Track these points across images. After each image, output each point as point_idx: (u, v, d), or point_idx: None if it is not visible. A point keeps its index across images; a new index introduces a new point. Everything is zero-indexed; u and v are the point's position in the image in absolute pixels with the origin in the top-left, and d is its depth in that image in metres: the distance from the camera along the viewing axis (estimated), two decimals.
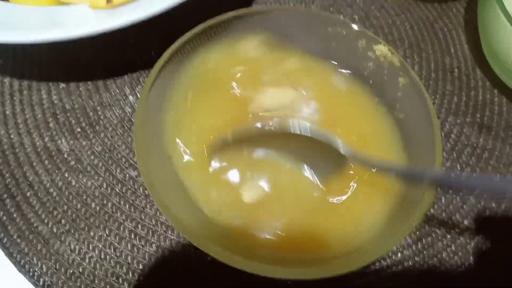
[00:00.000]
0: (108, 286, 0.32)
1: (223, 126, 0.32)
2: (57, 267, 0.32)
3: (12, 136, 0.36)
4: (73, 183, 0.35)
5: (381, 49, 0.33)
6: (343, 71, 0.36)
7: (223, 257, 0.25)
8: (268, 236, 0.29)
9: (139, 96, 0.38)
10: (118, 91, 0.39)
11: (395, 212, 0.30)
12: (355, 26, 0.34)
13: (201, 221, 0.29)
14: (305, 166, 0.32)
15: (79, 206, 0.34)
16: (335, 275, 0.26)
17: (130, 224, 0.34)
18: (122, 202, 0.34)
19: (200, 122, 0.32)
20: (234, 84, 0.34)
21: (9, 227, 0.33)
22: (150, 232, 0.34)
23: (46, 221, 0.33)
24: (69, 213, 0.34)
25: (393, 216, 0.30)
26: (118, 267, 0.32)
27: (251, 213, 0.30)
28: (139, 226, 0.34)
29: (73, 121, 0.37)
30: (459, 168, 0.38)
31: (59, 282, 0.32)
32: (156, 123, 0.31)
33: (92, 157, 0.36)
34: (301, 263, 0.29)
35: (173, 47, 0.32)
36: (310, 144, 0.30)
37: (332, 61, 0.36)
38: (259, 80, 0.34)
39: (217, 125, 0.32)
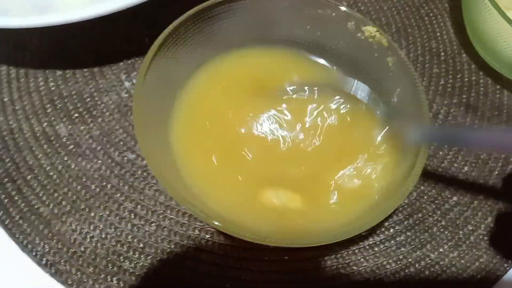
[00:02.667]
0: (109, 264, 0.33)
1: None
2: (59, 247, 0.33)
3: (11, 122, 0.37)
4: (73, 166, 0.36)
5: (370, 30, 0.34)
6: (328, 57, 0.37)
7: (224, 228, 0.26)
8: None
9: (134, 82, 0.39)
10: (114, 77, 0.40)
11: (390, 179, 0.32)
12: (343, 8, 0.35)
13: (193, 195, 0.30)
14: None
15: (79, 188, 0.35)
16: (331, 242, 0.27)
17: (129, 204, 0.35)
18: (121, 184, 0.35)
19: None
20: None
21: (11, 209, 0.34)
22: (150, 212, 0.34)
23: (47, 202, 0.34)
24: (70, 195, 0.35)
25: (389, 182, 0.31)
26: (119, 245, 0.33)
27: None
28: (139, 206, 0.35)
29: (71, 107, 0.38)
30: (446, 146, 0.39)
31: (62, 261, 0.32)
32: (157, 105, 0.32)
33: (90, 141, 0.37)
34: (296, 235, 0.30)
35: (165, 33, 0.32)
36: None
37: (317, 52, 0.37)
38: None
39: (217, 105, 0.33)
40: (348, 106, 0.34)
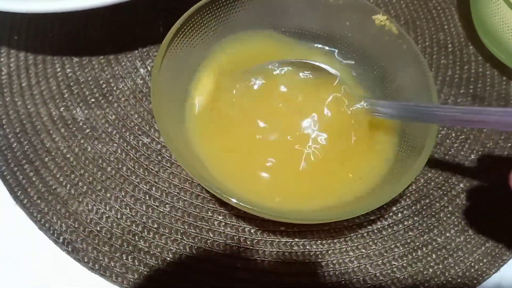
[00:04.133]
0: (124, 243, 0.33)
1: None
2: (76, 226, 0.34)
3: (29, 107, 0.38)
4: (89, 149, 0.37)
5: (380, 18, 0.35)
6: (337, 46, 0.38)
7: (239, 205, 0.27)
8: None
9: (149, 69, 0.40)
10: (129, 64, 0.41)
11: (399, 158, 0.32)
12: None
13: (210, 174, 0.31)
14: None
15: (95, 170, 0.36)
16: (341, 219, 0.28)
17: (144, 186, 0.35)
18: (136, 166, 0.36)
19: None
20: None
21: (29, 190, 0.35)
22: (164, 194, 0.35)
23: (64, 183, 0.35)
24: (86, 176, 0.36)
25: (397, 162, 0.32)
26: (134, 225, 0.34)
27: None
28: (153, 188, 0.35)
29: (87, 92, 0.39)
30: (454, 135, 0.40)
31: (78, 239, 0.33)
32: (172, 89, 0.33)
33: (106, 125, 0.38)
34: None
35: (180, 21, 0.33)
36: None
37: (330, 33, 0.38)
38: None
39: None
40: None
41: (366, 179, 0.32)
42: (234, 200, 0.27)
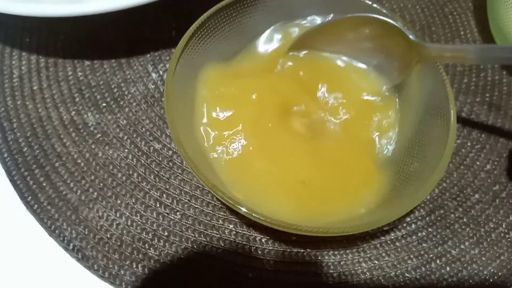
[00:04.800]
0: (134, 251, 0.33)
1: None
2: (86, 233, 0.34)
3: (40, 110, 0.38)
4: (100, 154, 0.36)
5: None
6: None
7: (250, 215, 0.27)
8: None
9: (161, 74, 0.40)
10: (141, 68, 0.40)
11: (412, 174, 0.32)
12: (370, 3, 0.35)
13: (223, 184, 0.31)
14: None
15: (106, 176, 0.36)
16: (356, 232, 0.27)
17: (155, 193, 0.35)
18: (147, 173, 0.36)
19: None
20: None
21: (39, 195, 0.35)
22: (175, 201, 0.35)
23: (74, 189, 0.35)
24: (97, 182, 0.35)
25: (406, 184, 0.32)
26: (144, 233, 0.34)
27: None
28: (164, 195, 0.35)
29: (98, 96, 0.39)
30: (469, 144, 0.39)
31: (88, 246, 0.33)
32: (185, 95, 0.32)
33: (117, 130, 0.37)
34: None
35: (195, 25, 0.33)
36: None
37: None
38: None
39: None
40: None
41: (380, 190, 0.32)
42: (243, 209, 0.27)
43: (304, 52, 0.37)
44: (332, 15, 0.36)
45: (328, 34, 0.36)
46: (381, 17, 0.33)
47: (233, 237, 0.34)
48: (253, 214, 0.27)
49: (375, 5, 0.35)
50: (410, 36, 0.32)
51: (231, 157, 0.32)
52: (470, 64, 0.42)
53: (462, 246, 0.35)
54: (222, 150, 0.33)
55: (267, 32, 0.37)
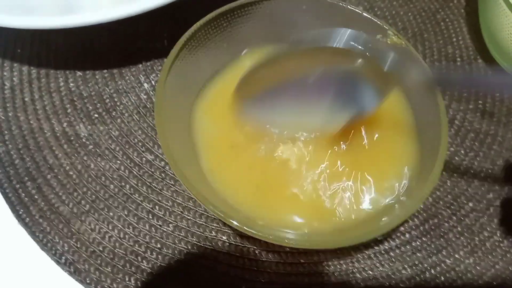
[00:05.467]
0: (127, 264, 0.33)
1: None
2: (79, 246, 0.33)
3: (31, 122, 0.38)
4: (92, 166, 0.36)
5: (391, 36, 0.34)
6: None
7: (243, 228, 0.26)
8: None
9: (153, 84, 0.40)
10: (133, 78, 0.40)
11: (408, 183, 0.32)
12: (365, 14, 0.35)
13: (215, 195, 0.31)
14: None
15: (98, 187, 0.35)
16: (350, 244, 0.27)
17: (148, 205, 0.35)
18: (139, 184, 0.36)
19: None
20: None
21: (31, 208, 0.34)
22: (167, 212, 0.35)
23: (66, 202, 0.35)
24: (89, 194, 0.35)
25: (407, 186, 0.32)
26: (137, 245, 0.34)
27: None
28: (157, 207, 0.35)
29: (90, 107, 0.39)
30: (463, 152, 0.39)
31: (81, 259, 0.33)
32: (177, 106, 0.32)
33: (109, 142, 0.37)
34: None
35: (186, 35, 0.33)
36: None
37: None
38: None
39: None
40: None
41: (373, 201, 0.32)
42: (235, 223, 0.27)
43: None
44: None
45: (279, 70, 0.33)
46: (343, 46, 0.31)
47: (226, 248, 0.34)
48: (245, 228, 0.26)
49: (365, 14, 0.35)
50: (384, 65, 0.30)
51: (227, 169, 0.32)
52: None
53: (456, 256, 0.35)
54: (218, 162, 0.32)
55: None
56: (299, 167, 0.32)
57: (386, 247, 0.35)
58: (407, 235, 0.35)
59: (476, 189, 0.37)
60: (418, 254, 0.35)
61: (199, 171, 0.31)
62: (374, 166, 0.33)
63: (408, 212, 0.28)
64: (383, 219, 0.29)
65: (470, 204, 0.37)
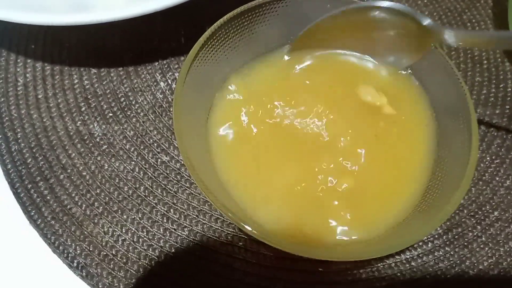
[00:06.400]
0: (141, 269, 0.32)
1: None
2: (91, 249, 0.32)
3: (44, 120, 0.37)
4: (106, 166, 0.35)
5: None
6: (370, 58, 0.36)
7: (261, 237, 0.25)
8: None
9: (170, 83, 0.39)
10: (149, 77, 0.39)
11: (427, 199, 0.30)
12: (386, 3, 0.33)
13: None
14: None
15: (111, 189, 0.34)
16: (366, 258, 0.26)
17: (162, 208, 0.34)
18: (154, 186, 0.35)
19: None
20: None
21: (43, 209, 0.34)
22: (182, 216, 0.34)
23: (79, 203, 0.34)
24: (102, 196, 0.34)
25: (425, 203, 0.30)
26: (150, 250, 0.33)
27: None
28: (171, 210, 0.34)
29: (105, 106, 0.38)
30: (488, 159, 0.37)
31: (93, 263, 0.32)
32: (194, 107, 0.31)
33: (124, 142, 0.36)
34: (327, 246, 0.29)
35: (209, 31, 0.32)
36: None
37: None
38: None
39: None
40: None
41: (399, 209, 0.30)
42: (248, 228, 0.26)
43: (309, 52, 0.35)
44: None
45: (332, 29, 0.34)
46: (386, 5, 0.32)
47: (242, 255, 0.33)
48: (259, 235, 0.25)
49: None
50: (423, 20, 0.31)
51: (244, 174, 0.31)
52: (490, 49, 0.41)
53: (480, 267, 0.34)
54: (234, 166, 0.31)
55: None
56: (320, 183, 0.31)
57: (408, 256, 0.34)
58: (430, 245, 0.34)
59: (502, 198, 0.36)
60: (441, 264, 0.34)
61: (214, 175, 0.30)
62: (397, 174, 0.32)
63: (434, 225, 0.27)
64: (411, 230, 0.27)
65: (495, 213, 0.35)
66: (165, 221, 0.34)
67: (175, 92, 0.29)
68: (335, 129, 0.33)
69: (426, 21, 0.31)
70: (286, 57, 0.36)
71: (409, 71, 0.35)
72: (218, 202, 0.26)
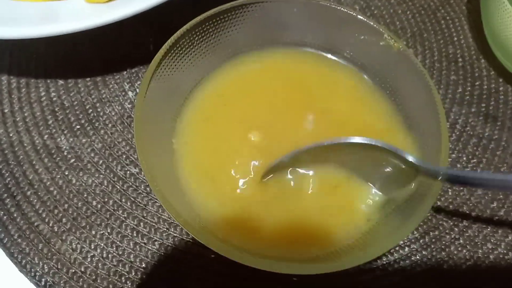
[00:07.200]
0: (111, 286, 0.31)
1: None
2: (59, 267, 0.32)
3: (11, 135, 0.36)
4: (74, 181, 0.34)
5: (385, 38, 0.32)
6: (343, 62, 0.35)
7: (227, 253, 0.25)
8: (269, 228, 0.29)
9: (138, 92, 0.38)
10: (117, 86, 0.38)
11: (401, 205, 0.30)
12: (359, 17, 0.33)
13: (199, 217, 0.29)
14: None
15: (80, 204, 0.34)
16: (340, 270, 0.25)
17: (132, 222, 0.33)
18: (123, 200, 0.34)
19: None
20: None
21: (10, 227, 0.33)
22: (153, 229, 0.33)
23: (47, 220, 0.33)
24: (70, 212, 0.33)
25: (399, 209, 0.29)
26: (120, 265, 0.32)
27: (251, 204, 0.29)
28: (141, 223, 0.33)
29: (72, 118, 0.37)
30: (465, 159, 0.37)
31: (61, 282, 0.31)
32: (159, 117, 0.30)
33: (92, 155, 0.35)
34: (303, 258, 0.28)
35: (172, 39, 0.31)
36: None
37: (332, 53, 0.36)
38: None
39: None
40: None
41: (371, 218, 0.30)
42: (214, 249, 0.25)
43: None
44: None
45: (313, 157, 0.31)
46: (372, 143, 0.28)
47: (216, 266, 0.32)
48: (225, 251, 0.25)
49: (360, 17, 0.33)
50: (408, 157, 0.27)
51: (210, 183, 0.30)
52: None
53: (459, 270, 0.33)
54: (200, 174, 0.31)
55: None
56: (288, 192, 0.30)
57: (384, 262, 0.33)
58: (406, 249, 0.34)
59: (479, 198, 0.35)
60: (418, 269, 0.33)
61: (181, 192, 0.29)
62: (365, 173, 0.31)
63: (407, 231, 0.26)
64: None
65: (473, 214, 0.35)
66: (135, 235, 0.33)
67: (136, 106, 0.28)
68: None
69: (410, 157, 0.27)
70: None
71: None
72: (181, 218, 0.25)
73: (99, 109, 0.37)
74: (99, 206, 0.34)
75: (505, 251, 0.34)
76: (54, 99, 0.38)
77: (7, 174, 0.35)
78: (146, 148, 0.27)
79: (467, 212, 0.35)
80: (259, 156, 0.31)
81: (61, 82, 0.38)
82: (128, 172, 0.35)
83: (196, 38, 0.33)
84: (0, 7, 0.33)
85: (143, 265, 0.32)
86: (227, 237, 0.28)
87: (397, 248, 0.33)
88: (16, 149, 0.35)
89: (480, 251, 0.34)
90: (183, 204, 0.28)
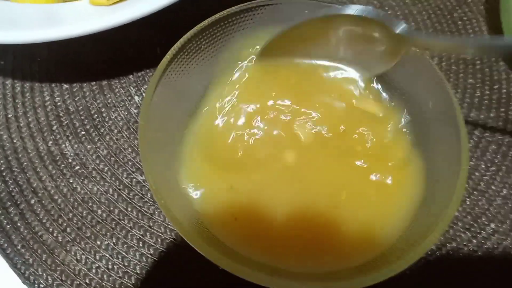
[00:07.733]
0: None
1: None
2: (63, 278, 0.31)
3: (14, 141, 0.35)
4: (78, 189, 0.33)
5: None
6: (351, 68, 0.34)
7: (233, 269, 0.24)
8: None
9: (144, 96, 0.37)
10: (123, 91, 0.37)
11: (418, 217, 0.28)
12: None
13: (207, 230, 0.28)
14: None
15: (84, 213, 0.33)
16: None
17: (138, 231, 0.32)
18: (129, 209, 0.33)
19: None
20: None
21: (13, 237, 0.32)
22: (159, 240, 0.32)
23: (51, 229, 0.32)
24: (75, 221, 0.32)
25: (416, 222, 0.28)
26: (126, 277, 0.31)
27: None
28: (148, 234, 0.32)
29: (77, 124, 0.36)
30: (483, 167, 0.35)
31: None
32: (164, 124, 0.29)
33: (97, 161, 0.34)
34: (309, 274, 0.27)
35: (179, 43, 0.30)
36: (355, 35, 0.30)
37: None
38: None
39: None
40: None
41: (387, 233, 0.28)
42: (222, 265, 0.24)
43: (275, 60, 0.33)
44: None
45: (300, 37, 0.32)
46: (356, 13, 0.30)
47: (225, 279, 0.31)
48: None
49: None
50: (394, 29, 0.29)
51: (217, 195, 0.29)
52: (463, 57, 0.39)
53: (477, 283, 0.32)
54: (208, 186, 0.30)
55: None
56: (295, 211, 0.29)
57: (397, 275, 0.32)
58: (422, 261, 0.32)
59: (498, 208, 0.34)
60: (435, 283, 0.32)
61: (185, 203, 0.28)
62: (381, 193, 0.30)
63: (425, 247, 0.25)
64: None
65: (492, 225, 0.34)
66: (141, 245, 0.32)
67: (141, 110, 0.27)
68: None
69: (398, 28, 0.29)
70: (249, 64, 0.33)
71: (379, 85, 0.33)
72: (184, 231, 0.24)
73: (104, 114, 0.36)
74: (104, 215, 0.33)
75: None
76: (59, 103, 0.37)
77: (10, 182, 0.34)
78: (151, 158, 0.26)
79: (486, 222, 0.34)
80: (265, 165, 0.30)
81: (66, 86, 0.37)
82: (134, 179, 0.34)
83: (203, 42, 0.31)
84: (1, 10, 0.32)
85: (150, 277, 0.31)
86: (240, 249, 0.27)
87: None
88: (20, 155, 0.35)
89: (499, 264, 0.32)
90: (190, 218, 0.27)
